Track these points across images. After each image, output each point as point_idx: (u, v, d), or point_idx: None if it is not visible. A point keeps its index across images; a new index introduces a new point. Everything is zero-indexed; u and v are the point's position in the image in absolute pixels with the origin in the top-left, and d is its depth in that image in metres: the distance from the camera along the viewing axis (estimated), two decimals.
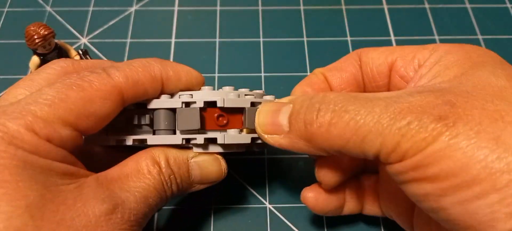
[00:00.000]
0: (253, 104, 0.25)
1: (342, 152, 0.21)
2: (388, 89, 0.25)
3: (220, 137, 0.24)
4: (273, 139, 0.23)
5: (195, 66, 0.38)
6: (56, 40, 0.34)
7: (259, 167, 0.33)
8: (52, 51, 0.33)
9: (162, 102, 0.24)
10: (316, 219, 0.30)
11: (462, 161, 0.17)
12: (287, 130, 0.22)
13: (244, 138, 0.24)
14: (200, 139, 0.24)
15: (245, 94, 0.25)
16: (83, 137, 0.22)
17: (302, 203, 0.31)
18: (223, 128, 0.24)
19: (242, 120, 0.25)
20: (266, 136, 0.23)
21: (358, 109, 0.20)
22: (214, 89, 0.25)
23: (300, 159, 0.33)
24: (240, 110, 0.24)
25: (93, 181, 0.21)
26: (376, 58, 0.25)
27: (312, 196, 0.27)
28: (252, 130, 0.24)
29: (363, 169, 0.28)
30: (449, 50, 0.22)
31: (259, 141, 0.25)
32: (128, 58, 0.39)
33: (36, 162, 0.19)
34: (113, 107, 0.22)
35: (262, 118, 0.23)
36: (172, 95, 0.25)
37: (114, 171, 0.22)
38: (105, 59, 0.39)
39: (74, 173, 0.21)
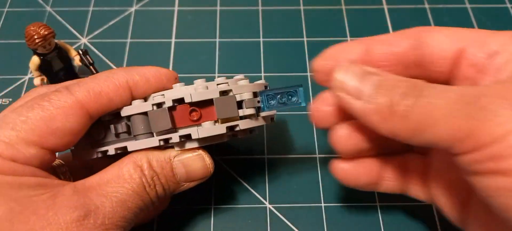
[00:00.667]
0: (224, 93, 0.24)
1: (413, 139, 0.20)
2: (450, 76, 0.24)
3: (194, 131, 0.24)
4: (347, 100, 0.22)
5: (195, 66, 0.38)
6: (56, 40, 0.34)
7: (259, 167, 0.33)
8: (52, 51, 0.33)
9: (133, 108, 0.24)
10: (316, 219, 0.30)
11: None
12: (368, 99, 0.21)
13: (219, 128, 0.24)
14: (175, 137, 0.24)
15: (217, 84, 0.24)
16: (70, 151, 0.23)
17: (302, 203, 0.31)
18: (197, 122, 0.24)
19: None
20: (341, 93, 0.22)
21: (434, 93, 0.19)
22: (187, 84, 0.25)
23: (300, 159, 0.33)
24: (212, 102, 0.24)
25: (69, 190, 0.22)
26: (442, 42, 0.23)
27: (341, 167, 0.26)
28: (227, 119, 0.24)
29: (406, 148, 0.27)
30: None
31: (238, 128, 0.24)
32: (128, 58, 0.39)
33: (1, 180, 0.20)
34: (78, 122, 0.23)
35: (346, 77, 0.22)
36: (146, 99, 0.25)
37: (94, 179, 0.23)
38: (105, 59, 0.39)
39: (48, 184, 0.22)
